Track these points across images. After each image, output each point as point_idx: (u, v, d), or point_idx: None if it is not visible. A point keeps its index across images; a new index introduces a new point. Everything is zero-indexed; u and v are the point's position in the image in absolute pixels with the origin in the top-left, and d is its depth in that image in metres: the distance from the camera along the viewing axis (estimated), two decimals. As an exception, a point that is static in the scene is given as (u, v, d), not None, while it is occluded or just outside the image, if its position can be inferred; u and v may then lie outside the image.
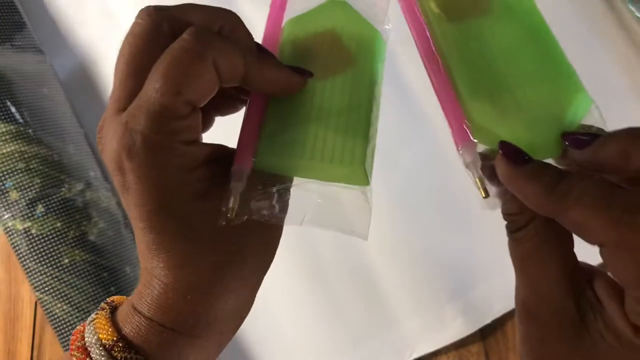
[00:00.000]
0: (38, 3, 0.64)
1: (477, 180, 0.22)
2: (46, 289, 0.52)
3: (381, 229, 0.53)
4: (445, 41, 0.24)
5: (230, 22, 0.23)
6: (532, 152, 0.21)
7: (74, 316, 0.52)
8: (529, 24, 0.24)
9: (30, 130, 0.54)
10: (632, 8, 0.50)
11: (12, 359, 0.59)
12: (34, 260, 0.52)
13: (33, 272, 0.52)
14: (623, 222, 0.18)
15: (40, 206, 0.52)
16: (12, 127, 0.53)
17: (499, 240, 0.53)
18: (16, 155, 0.53)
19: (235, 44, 0.21)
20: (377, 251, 0.54)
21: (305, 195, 0.24)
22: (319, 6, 0.27)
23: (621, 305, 0.19)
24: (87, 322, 0.23)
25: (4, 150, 0.52)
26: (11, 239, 0.52)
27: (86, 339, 0.22)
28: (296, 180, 0.24)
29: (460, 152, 0.22)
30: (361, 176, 0.23)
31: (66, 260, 0.52)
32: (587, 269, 0.21)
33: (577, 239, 0.20)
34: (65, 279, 0.52)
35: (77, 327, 0.23)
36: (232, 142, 0.24)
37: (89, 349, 0.21)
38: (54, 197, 0.53)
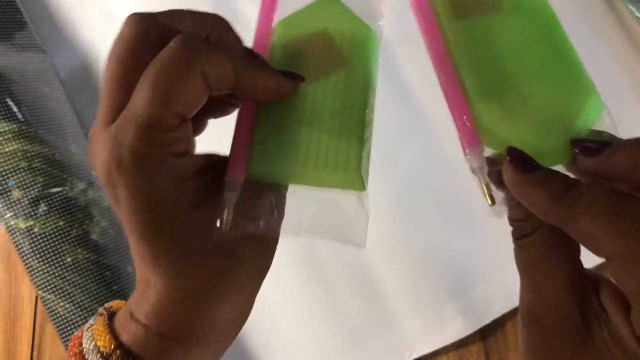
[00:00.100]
0: (39, 2, 0.64)
1: (484, 187, 0.21)
2: (49, 287, 0.52)
3: (381, 229, 0.53)
4: (455, 40, 0.24)
5: (219, 27, 0.22)
6: (541, 158, 0.20)
7: (77, 315, 0.52)
8: (541, 21, 0.24)
9: (32, 129, 0.54)
10: (632, 8, 0.50)
11: (12, 359, 0.58)
12: (36, 258, 0.52)
13: (36, 270, 0.52)
14: (632, 234, 0.17)
15: (42, 205, 0.52)
16: (14, 125, 0.53)
17: (499, 241, 0.54)
18: (19, 154, 0.52)
19: (224, 51, 0.21)
20: (377, 251, 0.54)
21: (300, 203, 0.23)
22: (310, 4, 0.26)
23: (626, 315, 0.19)
24: (85, 327, 0.23)
25: (7, 149, 0.52)
26: (13, 238, 0.52)
27: (84, 345, 0.22)
28: (290, 187, 0.23)
29: (468, 156, 0.22)
30: (357, 181, 0.22)
31: (69, 259, 0.52)
32: (592, 276, 0.21)
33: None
34: (68, 278, 0.52)
35: (75, 332, 0.23)
36: (227, 145, 0.24)
37: (87, 356, 0.21)
38: (56, 196, 0.53)
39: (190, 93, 0.20)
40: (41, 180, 0.53)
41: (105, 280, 0.53)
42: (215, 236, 0.21)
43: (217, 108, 0.25)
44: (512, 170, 0.20)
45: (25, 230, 0.52)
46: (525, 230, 0.21)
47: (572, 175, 0.20)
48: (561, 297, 0.20)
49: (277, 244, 0.24)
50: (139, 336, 0.21)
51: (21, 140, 0.53)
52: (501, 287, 0.51)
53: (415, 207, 0.54)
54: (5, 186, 0.52)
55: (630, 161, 0.19)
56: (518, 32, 0.23)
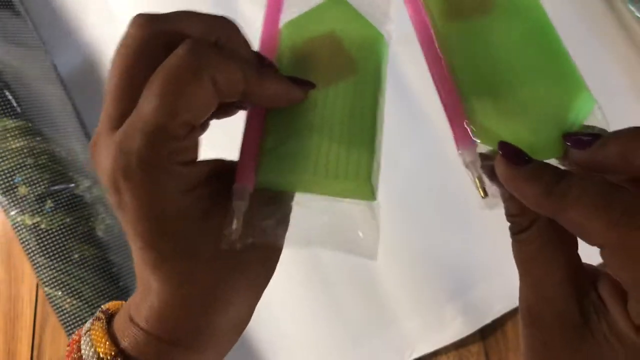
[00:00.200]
0: (40, 2, 0.64)
1: (476, 180, 0.21)
2: (56, 284, 0.52)
3: (381, 229, 0.53)
4: (449, 39, 0.24)
5: (228, 32, 0.22)
6: (533, 153, 0.20)
7: (84, 311, 0.52)
8: (533, 22, 0.24)
9: (37, 127, 0.54)
10: (632, 8, 0.50)
11: (12, 359, 0.58)
12: (43, 255, 0.52)
13: (42, 267, 0.52)
14: (622, 223, 0.17)
15: (49, 201, 0.52)
16: (20, 122, 0.53)
17: (499, 241, 0.53)
18: (25, 150, 0.53)
19: (233, 57, 0.20)
20: (377, 251, 0.54)
21: (309, 213, 0.22)
22: (318, 6, 0.25)
23: (624, 307, 0.19)
24: (83, 332, 0.22)
25: (13, 146, 0.53)
26: (20, 234, 0.52)
27: (83, 351, 0.21)
28: (299, 197, 0.23)
29: (460, 152, 0.22)
30: (367, 191, 0.22)
31: (76, 256, 0.52)
32: (591, 270, 0.21)
33: (580, 240, 0.20)
34: (76, 274, 0.52)
35: (73, 336, 0.22)
36: (235, 150, 0.23)
37: None
38: (62, 193, 0.53)
39: (199, 101, 0.19)
40: (47, 177, 0.53)
41: (112, 277, 0.53)
42: (224, 245, 0.21)
43: (220, 109, 0.24)
44: (505, 164, 0.20)
45: (32, 226, 0.52)
46: (522, 225, 0.21)
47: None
48: (559, 291, 0.20)
49: (281, 252, 0.24)
50: (139, 341, 0.21)
51: (27, 137, 0.53)
52: (501, 287, 0.51)
53: (415, 207, 0.54)
54: (11, 182, 0.52)
55: (621, 151, 0.19)
56: (511, 33, 0.23)
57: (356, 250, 0.22)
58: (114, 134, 0.20)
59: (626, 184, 0.20)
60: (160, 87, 0.19)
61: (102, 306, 0.24)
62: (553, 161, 0.22)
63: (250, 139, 0.23)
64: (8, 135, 0.52)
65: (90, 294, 0.52)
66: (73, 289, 0.52)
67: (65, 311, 0.52)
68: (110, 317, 0.23)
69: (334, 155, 0.22)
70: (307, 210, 0.22)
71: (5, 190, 0.52)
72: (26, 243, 0.52)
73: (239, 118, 0.25)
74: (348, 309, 0.53)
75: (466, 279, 0.52)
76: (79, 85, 0.62)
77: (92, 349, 0.21)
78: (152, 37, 0.20)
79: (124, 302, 0.24)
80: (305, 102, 0.23)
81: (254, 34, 0.25)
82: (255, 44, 0.25)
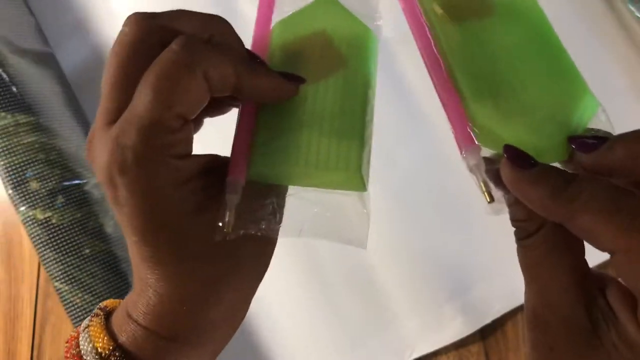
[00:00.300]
0: (44, 1, 0.64)
1: (482, 184, 0.21)
2: (66, 278, 0.52)
3: (380, 229, 0.53)
4: (448, 42, 0.24)
5: (221, 29, 0.22)
6: (537, 156, 0.20)
7: (95, 305, 0.52)
8: (534, 26, 0.24)
9: (47, 123, 0.55)
10: (632, 8, 0.50)
11: (12, 359, 0.58)
12: (53, 249, 0.52)
13: (53, 261, 0.52)
14: (633, 228, 0.17)
15: (60, 197, 0.53)
16: (32, 118, 0.54)
17: (498, 241, 0.54)
18: (36, 146, 0.53)
19: (225, 53, 0.21)
20: (376, 251, 0.54)
21: (301, 204, 0.23)
22: (308, 5, 0.26)
23: (634, 314, 0.19)
24: (82, 328, 0.22)
25: (25, 141, 0.53)
26: (30, 229, 0.52)
27: (81, 347, 0.22)
28: (291, 189, 0.23)
29: (464, 155, 0.22)
30: (358, 182, 0.22)
31: (87, 250, 0.52)
32: (599, 276, 0.21)
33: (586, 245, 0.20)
34: (87, 269, 0.52)
35: (71, 333, 0.23)
36: (228, 146, 0.24)
37: (85, 357, 0.21)
38: (73, 188, 0.54)
39: (192, 95, 0.20)
40: (58, 172, 0.53)
41: (122, 273, 0.54)
42: (217, 237, 0.21)
43: (213, 107, 0.25)
44: (510, 168, 0.20)
45: (44, 221, 0.52)
46: (528, 231, 0.21)
47: None
48: (565, 297, 0.20)
49: (275, 245, 0.24)
50: (137, 336, 0.21)
51: (38, 132, 0.54)
52: (500, 287, 0.51)
53: (414, 207, 0.54)
54: (23, 177, 0.52)
55: (628, 154, 0.19)
56: (511, 36, 0.23)
57: (347, 239, 0.23)
58: (110, 129, 0.20)
59: (631, 187, 0.20)
60: (154, 82, 0.19)
61: (100, 304, 0.24)
62: (557, 165, 0.22)
63: (243, 134, 0.23)
64: (20, 130, 0.53)
65: (101, 288, 0.52)
66: (84, 283, 0.52)
67: (76, 306, 0.52)
68: (108, 314, 0.23)
69: (324, 148, 0.22)
70: (298, 202, 0.23)
71: (16, 184, 0.52)
72: (37, 238, 0.52)
73: (232, 117, 0.25)
74: (347, 310, 0.53)
75: (466, 279, 0.52)
76: (83, 84, 0.62)
77: (91, 345, 0.21)
78: (147, 34, 0.21)
79: (121, 300, 0.24)
80: (296, 97, 0.23)
81: (252, 33, 0.25)
82: (248, 49, 0.25)
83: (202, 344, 0.22)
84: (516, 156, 0.20)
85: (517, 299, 0.50)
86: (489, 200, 0.21)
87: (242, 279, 0.23)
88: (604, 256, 0.19)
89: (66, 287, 0.52)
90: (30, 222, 0.52)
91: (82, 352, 0.21)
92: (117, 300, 0.24)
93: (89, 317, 0.23)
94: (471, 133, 0.22)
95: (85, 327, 0.22)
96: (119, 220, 0.21)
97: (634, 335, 0.18)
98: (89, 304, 0.52)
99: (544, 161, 0.20)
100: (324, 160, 0.22)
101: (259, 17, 0.26)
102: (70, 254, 0.52)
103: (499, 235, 0.51)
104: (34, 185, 0.52)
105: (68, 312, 0.52)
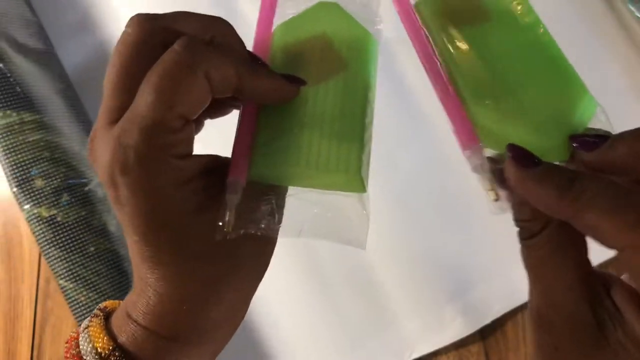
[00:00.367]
0: (47, 1, 0.64)
1: (487, 183, 0.21)
2: (71, 276, 0.52)
3: (381, 229, 0.53)
4: (446, 46, 0.24)
5: (223, 30, 0.22)
6: (539, 157, 0.20)
7: (100, 303, 0.52)
8: (530, 30, 0.24)
9: (51, 122, 0.55)
10: (632, 8, 0.50)
11: (12, 359, 0.59)
12: (59, 247, 0.52)
13: (58, 259, 0.52)
14: (639, 225, 0.17)
15: (65, 195, 0.53)
16: (37, 116, 0.54)
17: (498, 241, 0.54)
18: (42, 144, 0.53)
19: (227, 54, 0.21)
20: (377, 252, 0.54)
21: (301, 205, 0.23)
22: (309, 8, 0.26)
23: None
24: (81, 329, 0.23)
25: (30, 139, 0.53)
26: (35, 227, 0.52)
27: (81, 347, 0.22)
28: (292, 190, 0.23)
29: (468, 155, 0.22)
30: (357, 183, 0.23)
31: (92, 248, 0.53)
32: (603, 276, 0.21)
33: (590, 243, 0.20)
34: (92, 267, 0.52)
35: (71, 333, 0.23)
36: (230, 147, 0.24)
37: (85, 357, 0.21)
38: (78, 186, 0.54)
39: (193, 95, 0.20)
40: (63, 170, 0.54)
41: (125, 272, 0.54)
42: (218, 237, 0.21)
43: (215, 108, 0.25)
44: (515, 167, 0.20)
45: (49, 219, 0.52)
46: (532, 231, 0.21)
47: None
48: (570, 296, 0.20)
49: (275, 245, 0.24)
50: (137, 336, 0.21)
51: (43, 130, 0.54)
52: (500, 287, 0.51)
53: (414, 208, 0.54)
54: (28, 175, 0.53)
55: (629, 152, 0.19)
56: (508, 40, 0.24)
57: (347, 240, 0.23)
58: (112, 128, 0.20)
59: (632, 185, 0.20)
60: (156, 82, 0.19)
61: (99, 304, 0.24)
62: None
63: (244, 135, 0.23)
64: (25, 128, 0.53)
65: (106, 286, 0.52)
66: (89, 281, 0.52)
67: (81, 303, 0.52)
68: (108, 315, 0.23)
69: (324, 149, 0.22)
70: (298, 202, 0.23)
71: (21, 182, 0.52)
72: (42, 236, 0.52)
73: (233, 118, 0.25)
74: (347, 310, 0.53)
75: (466, 279, 0.52)
76: (85, 83, 0.62)
77: (90, 345, 0.21)
78: (149, 35, 0.21)
79: (121, 301, 0.24)
80: (297, 99, 0.24)
81: (253, 34, 0.25)
82: (251, 45, 0.25)
83: (202, 344, 0.22)
84: (521, 155, 0.20)
85: (517, 299, 0.51)
86: (494, 198, 0.21)
87: (242, 278, 0.23)
88: (605, 255, 0.19)
89: (71, 285, 0.52)
90: (35, 220, 0.52)
91: (82, 352, 0.21)
92: (117, 301, 0.24)
93: (88, 318, 0.23)
94: (473, 132, 0.22)
95: (85, 328, 0.22)
96: (120, 220, 0.21)
97: None
98: (94, 301, 0.52)
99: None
100: (324, 161, 0.22)
101: (260, 19, 0.26)
102: (75, 251, 0.52)
103: (499, 236, 0.51)
104: (39, 183, 0.52)
105: (72, 310, 0.52)
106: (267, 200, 0.23)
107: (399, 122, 0.55)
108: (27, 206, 0.52)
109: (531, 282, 0.21)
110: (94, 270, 0.52)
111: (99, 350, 0.21)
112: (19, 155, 0.53)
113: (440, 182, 0.54)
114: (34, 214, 0.52)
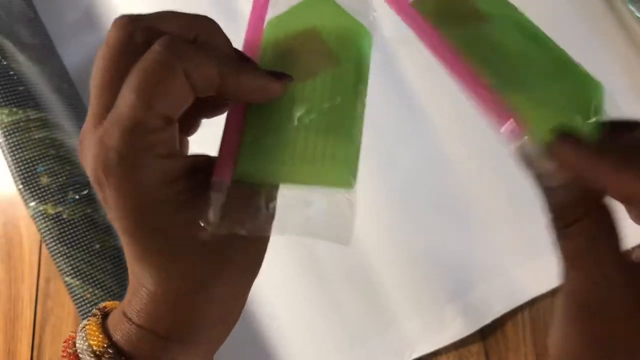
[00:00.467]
0: (48, 0, 0.65)
1: (539, 161, 0.21)
2: (77, 273, 0.52)
3: (380, 228, 0.53)
4: (456, 43, 0.24)
5: (207, 29, 0.22)
6: None
7: (106, 300, 0.52)
8: (525, 29, 0.24)
9: (56, 120, 0.55)
10: (632, 8, 0.50)
11: (12, 359, 0.59)
12: (65, 244, 0.52)
13: (64, 256, 0.52)
14: None
15: (71, 192, 0.53)
16: (42, 114, 0.54)
17: (498, 241, 0.53)
18: (47, 141, 0.54)
19: (209, 53, 0.21)
20: (377, 251, 0.54)
21: (287, 202, 0.23)
22: (301, 2, 0.26)
23: None
24: (79, 328, 0.23)
25: (36, 136, 0.53)
26: (40, 224, 0.53)
27: (77, 345, 0.22)
28: (279, 188, 0.23)
29: (504, 130, 0.21)
30: (345, 179, 0.22)
31: (97, 246, 0.53)
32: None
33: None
34: (97, 264, 0.52)
35: (70, 333, 0.23)
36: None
37: (80, 355, 0.21)
38: (83, 184, 0.54)
39: (174, 95, 0.20)
40: (68, 168, 0.54)
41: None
42: (203, 236, 0.21)
43: (208, 108, 0.25)
44: (572, 145, 0.20)
45: (54, 216, 0.52)
46: (569, 220, 0.21)
47: None
48: (616, 283, 0.20)
49: (267, 243, 0.24)
50: (132, 335, 0.21)
51: (48, 128, 0.54)
52: (500, 287, 0.51)
53: (414, 207, 0.54)
54: (34, 172, 0.53)
55: None
56: (509, 38, 0.24)
57: (331, 237, 0.22)
58: (99, 129, 0.20)
59: None
60: (135, 83, 0.19)
61: (99, 304, 0.25)
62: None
63: (231, 134, 0.23)
64: (31, 125, 0.53)
65: (111, 283, 0.53)
66: (95, 278, 0.52)
67: (86, 300, 0.52)
68: (106, 315, 0.23)
69: (311, 145, 0.22)
70: (284, 199, 0.23)
71: (26, 179, 0.53)
72: (47, 233, 0.52)
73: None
74: (347, 310, 0.53)
75: (466, 279, 0.52)
76: (85, 82, 0.62)
77: (86, 343, 0.22)
78: (132, 35, 0.21)
79: (119, 301, 0.24)
80: (285, 96, 0.23)
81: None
82: (237, 48, 0.25)
83: (197, 343, 0.22)
84: (570, 135, 0.20)
85: (517, 299, 0.51)
86: (551, 168, 0.21)
87: (234, 276, 0.23)
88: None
89: (77, 282, 0.52)
90: (40, 217, 0.52)
91: (78, 350, 0.22)
92: (117, 302, 0.25)
93: (87, 318, 0.23)
94: (512, 117, 0.22)
95: (83, 327, 0.23)
96: (111, 221, 0.22)
97: None
98: (99, 298, 0.52)
99: None
100: (311, 157, 0.22)
101: (252, 15, 0.26)
102: (80, 249, 0.52)
103: (499, 236, 0.51)
104: (44, 180, 0.53)
105: (78, 307, 0.52)
106: (254, 198, 0.23)
107: (398, 120, 0.55)
108: (32, 203, 0.52)
109: (568, 272, 0.21)
110: (99, 268, 0.52)
111: (94, 348, 0.21)
112: (25, 153, 0.53)
113: (440, 181, 0.54)
114: (39, 211, 0.52)
